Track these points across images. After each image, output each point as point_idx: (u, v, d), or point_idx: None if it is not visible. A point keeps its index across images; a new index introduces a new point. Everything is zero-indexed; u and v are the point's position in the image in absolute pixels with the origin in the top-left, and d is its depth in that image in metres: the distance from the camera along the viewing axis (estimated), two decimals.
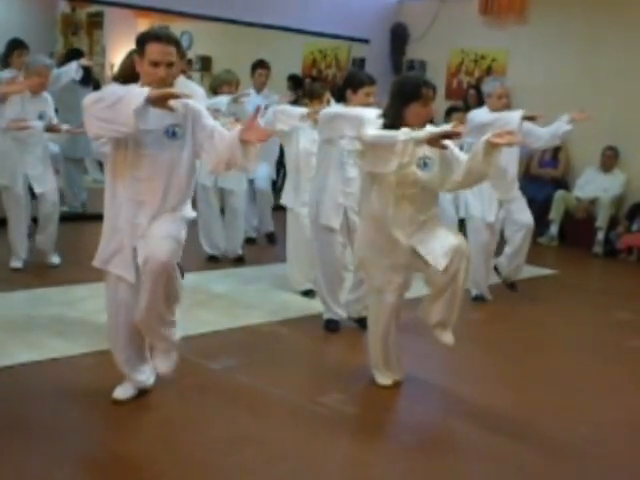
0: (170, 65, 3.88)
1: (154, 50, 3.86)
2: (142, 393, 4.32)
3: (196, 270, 6.96)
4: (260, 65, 8.99)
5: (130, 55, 4.61)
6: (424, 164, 4.40)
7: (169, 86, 3.90)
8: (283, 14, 10.57)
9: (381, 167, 4.29)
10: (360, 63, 12.02)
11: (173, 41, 3.93)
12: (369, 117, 4.64)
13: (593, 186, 9.98)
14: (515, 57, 11.08)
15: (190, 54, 13.74)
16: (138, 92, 3.73)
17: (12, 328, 5.20)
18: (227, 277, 7.12)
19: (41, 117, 6.77)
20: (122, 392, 4.27)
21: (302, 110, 6.41)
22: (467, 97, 11.17)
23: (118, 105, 3.69)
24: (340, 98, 5.72)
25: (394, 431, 4.29)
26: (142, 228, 3.97)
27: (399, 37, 12.12)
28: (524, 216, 6.89)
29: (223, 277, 7.12)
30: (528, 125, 6.62)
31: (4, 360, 4.65)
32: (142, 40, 3.91)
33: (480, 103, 10.89)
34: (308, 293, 6.59)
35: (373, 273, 4.63)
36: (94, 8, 13.42)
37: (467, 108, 11.25)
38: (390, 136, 4.22)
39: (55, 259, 6.99)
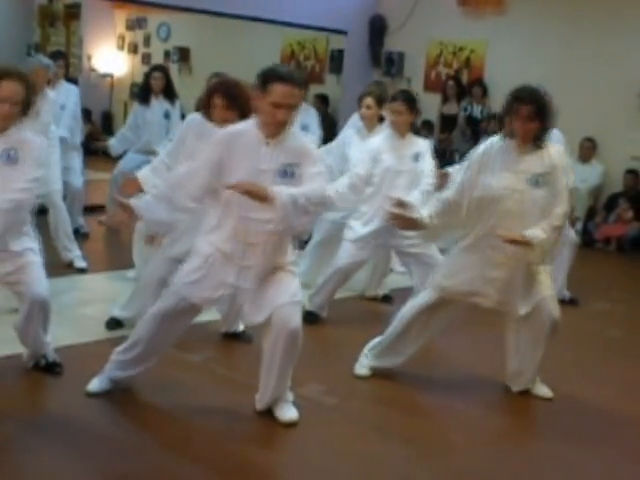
0: (292, 107, 3.80)
1: (279, 92, 3.74)
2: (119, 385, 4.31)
3: None
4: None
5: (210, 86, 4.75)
6: (538, 182, 4.36)
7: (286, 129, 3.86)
8: (261, 6, 10.52)
9: None
10: (338, 55, 12.01)
11: (299, 83, 3.82)
12: None
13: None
14: (494, 48, 11.10)
15: (168, 45, 13.73)
16: None
17: None
18: None
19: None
20: (98, 385, 4.23)
21: None
22: (446, 88, 11.19)
23: None
24: None
25: (373, 421, 4.30)
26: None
27: (377, 29, 12.10)
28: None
29: None
30: None
31: None
32: (266, 78, 3.79)
33: (460, 95, 10.97)
34: None
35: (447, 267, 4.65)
36: None
37: (445, 99, 11.30)
38: None
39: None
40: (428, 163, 5.66)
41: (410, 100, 5.67)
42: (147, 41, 14.07)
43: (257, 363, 4.18)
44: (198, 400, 4.32)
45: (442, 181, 5.33)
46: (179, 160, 4.85)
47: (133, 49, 14.19)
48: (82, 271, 6.64)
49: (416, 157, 5.62)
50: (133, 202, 3.96)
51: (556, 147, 4.47)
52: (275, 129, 3.82)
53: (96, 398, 4.19)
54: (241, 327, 5.25)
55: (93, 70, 13.50)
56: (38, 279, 4.20)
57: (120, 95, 14.00)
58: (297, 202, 3.68)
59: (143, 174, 5.08)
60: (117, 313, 5.25)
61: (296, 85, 3.77)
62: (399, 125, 5.64)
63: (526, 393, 4.74)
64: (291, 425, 4.07)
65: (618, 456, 4.17)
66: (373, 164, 5.62)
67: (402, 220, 4.54)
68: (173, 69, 12.06)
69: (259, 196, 3.67)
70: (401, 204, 4.65)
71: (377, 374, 4.81)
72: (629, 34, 9.88)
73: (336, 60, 12.07)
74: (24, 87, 4.10)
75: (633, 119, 9.79)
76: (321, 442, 4.01)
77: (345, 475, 3.76)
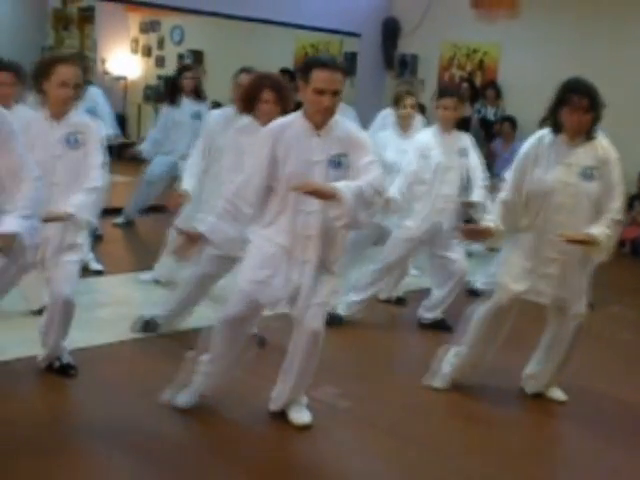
0: (336, 93, 3.76)
1: (320, 78, 3.71)
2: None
3: None
4: None
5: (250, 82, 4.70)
6: (590, 175, 4.30)
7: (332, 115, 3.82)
8: (275, 8, 10.54)
9: None
10: (352, 57, 12.01)
11: (340, 68, 3.79)
12: None
13: None
14: (507, 50, 11.08)
15: (182, 48, 13.76)
16: None
17: (6, 323, 5.18)
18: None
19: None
20: (187, 399, 4.18)
21: None
22: (460, 91, 11.15)
23: None
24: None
25: (387, 424, 4.30)
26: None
27: (391, 31, 12.10)
28: None
29: None
30: None
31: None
32: (308, 66, 3.78)
33: (473, 97, 10.94)
34: None
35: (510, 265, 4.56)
36: (85, 2, 13.39)
37: None
38: None
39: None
40: (476, 158, 5.72)
41: (460, 96, 5.76)
42: (161, 44, 14.12)
43: (271, 366, 4.19)
44: (210, 402, 4.31)
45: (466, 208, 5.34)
46: (210, 156, 5.11)
47: (147, 52, 14.24)
48: (97, 273, 6.66)
49: (463, 152, 5.67)
50: (201, 228, 3.88)
51: (607, 140, 4.40)
52: (322, 117, 3.79)
53: (110, 402, 4.20)
54: (254, 330, 5.24)
55: (107, 73, 13.55)
56: (67, 279, 4.20)
57: (134, 98, 14.06)
58: (363, 194, 3.64)
59: (188, 186, 5.17)
60: (153, 312, 5.27)
61: (337, 70, 3.74)
62: (449, 120, 5.64)
63: (540, 396, 4.73)
64: (304, 428, 4.07)
65: (633, 457, 4.16)
66: (423, 161, 5.61)
67: (475, 232, 4.51)
68: None
69: (326, 194, 3.62)
70: (469, 205, 4.62)
71: (387, 376, 4.81)
72: None
73: (349, 62, 12.07)
74: (81, 70, 4.20)
75: None
76: (334, 444, 4.01)
77: (357, 477, 3.76)
